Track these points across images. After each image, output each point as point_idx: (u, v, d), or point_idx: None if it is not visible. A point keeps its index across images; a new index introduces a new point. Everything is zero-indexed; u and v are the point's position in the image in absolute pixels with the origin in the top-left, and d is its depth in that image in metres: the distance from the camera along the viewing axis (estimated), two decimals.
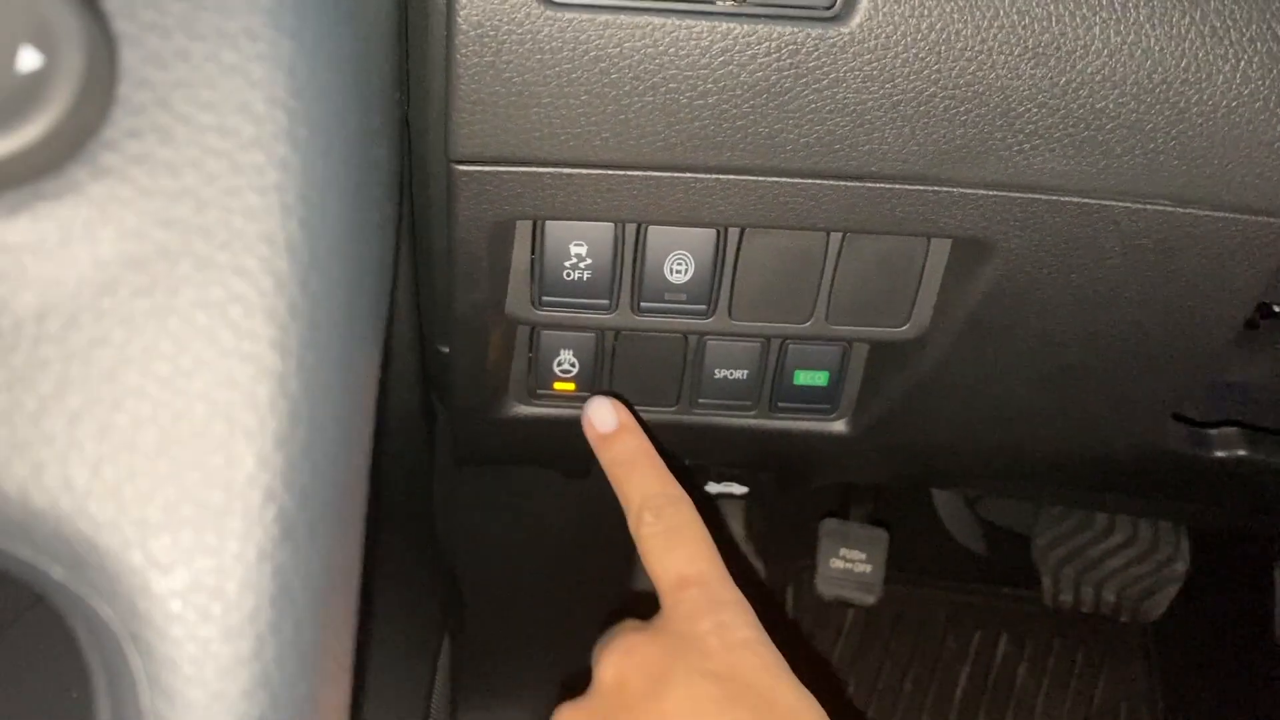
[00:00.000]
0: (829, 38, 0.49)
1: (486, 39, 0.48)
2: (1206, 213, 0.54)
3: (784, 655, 0.52)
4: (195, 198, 0.27)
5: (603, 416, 0.62)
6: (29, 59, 0.25)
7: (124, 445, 0.27)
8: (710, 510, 1.04)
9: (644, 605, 0.56)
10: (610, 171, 0.53)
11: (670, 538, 0.55)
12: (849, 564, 1.06)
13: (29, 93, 0.25)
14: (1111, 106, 0.50)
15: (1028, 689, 1.27)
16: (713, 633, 0.51)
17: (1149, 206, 0.54)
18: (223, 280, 0.27)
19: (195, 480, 0.27)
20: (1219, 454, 0.73)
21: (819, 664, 1.25)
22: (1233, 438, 0.72)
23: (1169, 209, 0.54)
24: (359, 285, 0.31)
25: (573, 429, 0.73)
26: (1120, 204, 0.54)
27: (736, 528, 1.29)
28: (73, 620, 0.28)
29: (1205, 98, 0.50)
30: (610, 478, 0.60)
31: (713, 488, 0.94)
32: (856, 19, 0.48)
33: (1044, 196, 0.54)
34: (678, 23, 0.48)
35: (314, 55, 0.29)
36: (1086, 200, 0.54)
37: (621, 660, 0.52)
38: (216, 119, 0.27)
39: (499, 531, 1.09)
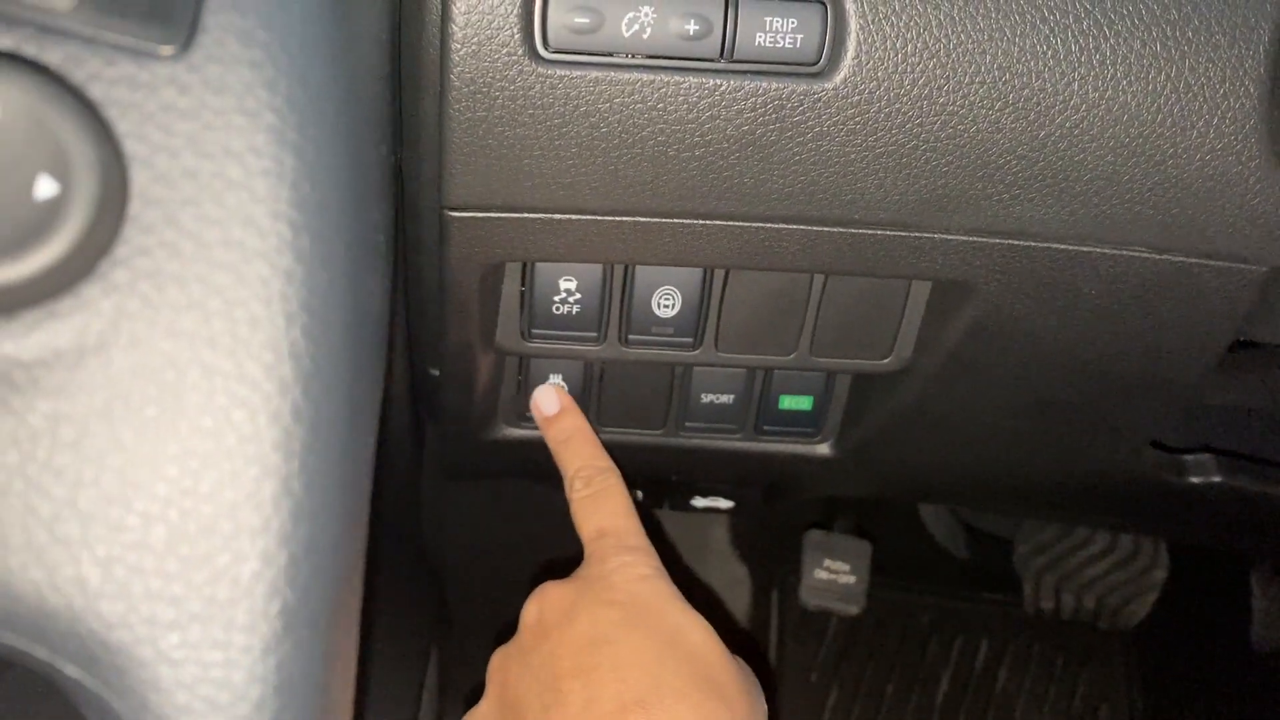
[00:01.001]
0: (814, 93, 0.50)
1: (479, 95, 0.49)
2: (1182, 259, 0.55)
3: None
4: (202, 309, 0.28)
5: (548, 401, 0.69)
6: (46, 187, 0.26)
7: (134, 545, 0.28)
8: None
9: (573, 568, 0.62)
10: (599, 217, 0.54)
11: (595, 500, 0.63)
12: (833, 575, 1.07)
13: (45, 219, 0.26)
14: (1090, 159, 0.52)
15: (1008, 694, 1.29)
16: (617, 570, 0.57)
17: (1126, 253, 0.55)
18: (228, 387, 0.28)
19: (203, 577, 0.28)
20: (1194, 479, 0.74)
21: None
22: (1208, 464, 0.74)
23: (1145, 255, 0.55)
24: (359, 380, 0.32)
25: None
26: (1098, 250, 0.55)
27: (723, 538, 1.30)
28: (86, 711, 0.29)
29: (1180, 151, 0.51)
30: (553, 453, 0.67)
31: (699, 502, 0.95)
32: (840, 74, 0.49)
33: (1023, 243, 0.55)
34: (666, 79, 0.49)
35: (316, 166, 0.30)
36: (1065, 246, 0.55)
37: (540, 603, 0.58)
38: (223, 234, 0.28)
39: (487, 542, 1.10)
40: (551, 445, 0.68)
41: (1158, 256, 0.55)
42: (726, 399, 0.71)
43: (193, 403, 0.28)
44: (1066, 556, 1.30)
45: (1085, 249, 0.55)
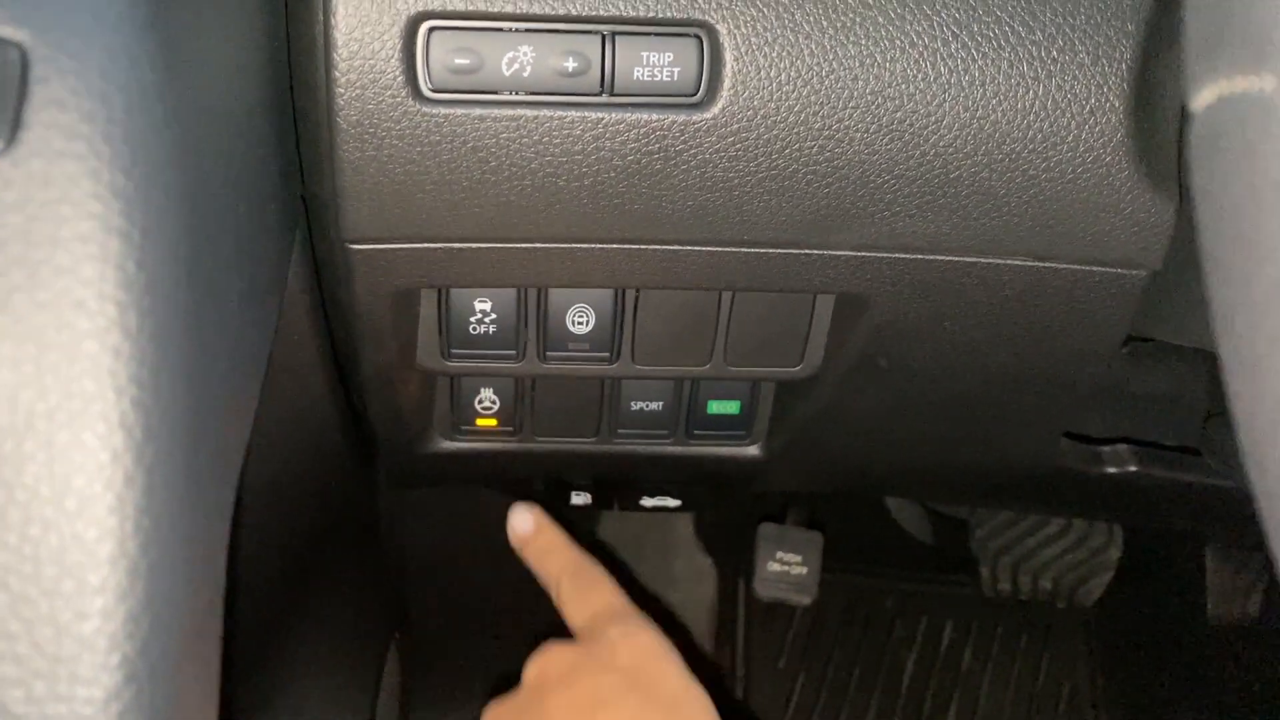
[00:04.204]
0: (694, 123, 0.52)
1: (366, 135, 0.51)
2: (1064, 265, 0.57)
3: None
4: (37, 385, 0.30)
5: (523, 522, 0.73)
6: None
7: None
8: None
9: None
10: (499, 245, 0.56)
11: (584, 589, 0.65)
12: (785, 566, 1.09)
13: None
14: (965, 175, 0.54)
15: (973, 673, 1.31)
16: (620, 639, 0.59)
17: (1009, 262, 0.57)
18: (65, 456, 0.31)
19: (46, 635, 0.31)
20: (1110, 470, 0.76)
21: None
22: (1123, 454, 0.76)
23: (1029, 264, 0.57)
24: (202, 438, 0.34)
25: (499, 459, 0.76)
26: (982, 260, 0.57)
27: (687, 532, 1.32)
28: None
29: (1052, 165, 0.53)
30: (534, 567, 0.70)
31: (647, 501, 0.97)
32: (719, 104, 0.51)
33: (909, 256, 0.57)
34: (549, 113, 0.51)
35: (143, 247, 0.32)
36: (949, 258, 0.57)
37: (543, 661, 0.60)
38: (54, 317, 0.30)
39: (444, 543, 1.12)
40: (533, 560, 0.70)
41: (1040, 265, 0.57)
42: (656, 406, 0.72)
43: (30, 473, 0.30)
44: (1022, 538, 1.32)
45: (969, 260, 0.57)
